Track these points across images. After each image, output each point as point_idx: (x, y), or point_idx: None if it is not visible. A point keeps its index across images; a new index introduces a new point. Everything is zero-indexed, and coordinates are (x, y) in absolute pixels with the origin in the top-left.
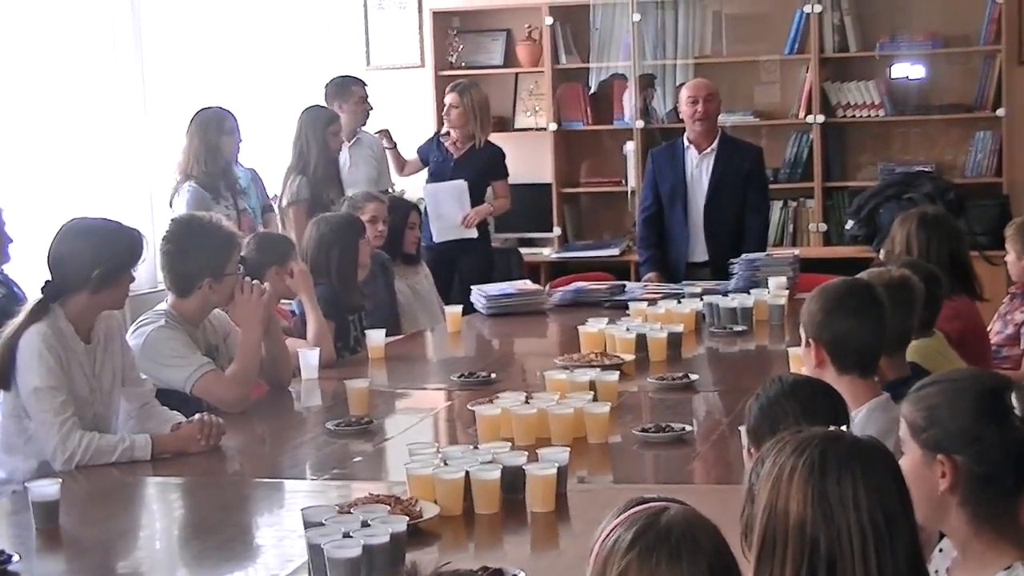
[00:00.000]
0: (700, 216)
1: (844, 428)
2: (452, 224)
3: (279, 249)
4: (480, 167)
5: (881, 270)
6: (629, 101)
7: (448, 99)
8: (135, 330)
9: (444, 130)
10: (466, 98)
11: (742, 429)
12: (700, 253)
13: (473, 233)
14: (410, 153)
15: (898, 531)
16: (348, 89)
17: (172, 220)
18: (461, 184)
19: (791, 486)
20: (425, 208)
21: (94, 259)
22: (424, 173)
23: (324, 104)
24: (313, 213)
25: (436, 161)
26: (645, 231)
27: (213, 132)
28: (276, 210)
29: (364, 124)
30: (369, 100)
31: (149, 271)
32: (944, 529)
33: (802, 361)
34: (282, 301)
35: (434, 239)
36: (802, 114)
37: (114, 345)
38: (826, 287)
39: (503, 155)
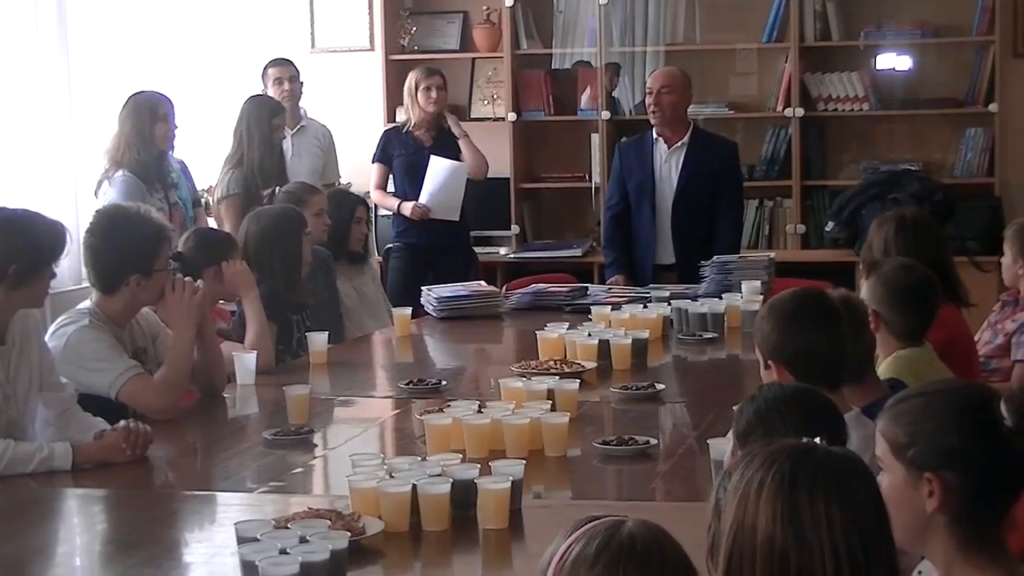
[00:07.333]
0: (668, 215)
1: (818, 440)
2: (446, 205)
3: (221, 248)
4: (454, 154)
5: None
6: (594, 90)
7: (432, 81)
8: (56, 330)
9: (410, 121)
10: (443, 79)
11: (711, 442)
12: (667, 255)
13: (455, 216)
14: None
15: (875, 554)
16: (264, 72)
17: (97, 211)
18: (463, 166)
19: (759, 501)
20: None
21: (10, 253)
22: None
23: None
24: (246, 208)
25: (407, 154)
26: (612, 231)
27: (146, 118)
28: (208, 204)
29: (288, 108)
30: (287, 81)
31: (72, 266)
32: (927, 552)
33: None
34: (221, 302)
35: (427, 205)
36: (780, 107)
37: (31, 346)
38: (775, 303)
39: None
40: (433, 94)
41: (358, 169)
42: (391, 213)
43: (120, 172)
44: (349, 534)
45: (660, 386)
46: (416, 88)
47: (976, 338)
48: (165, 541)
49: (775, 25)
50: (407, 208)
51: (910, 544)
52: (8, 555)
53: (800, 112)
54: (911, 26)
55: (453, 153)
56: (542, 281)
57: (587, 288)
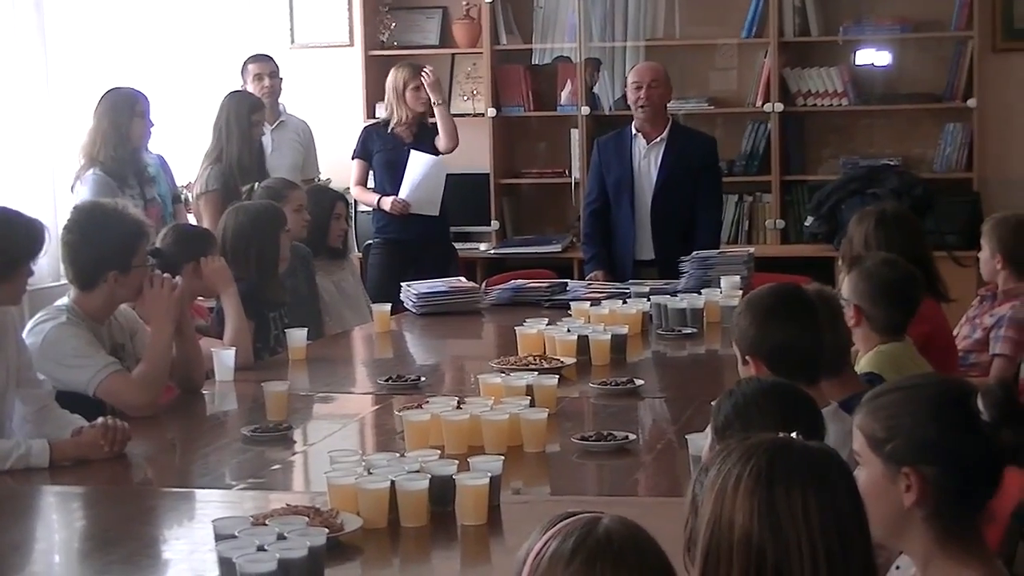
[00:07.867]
0: (647, 210)
1: (794, 435)
2: (426, 199)
3: (199, 244)
4: (434, 150)
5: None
6: (574, 86)
7: (418, 81)
8: (33, 327)
9: (394, 119)
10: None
11: (690, 437)
12: (647, 250)
13: (435, 211)
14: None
15: (853, 549)
16: (244, 68)
17: (74, 208)
18: (443, 161)
19: (736, 496)
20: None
21: None
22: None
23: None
24: (225, 204)
25: (387, 150)
26: (591, 226)
27: (124, 114)
28: (188, 200)
29: (268, 104)
30: (267, 77)
31: (51, 263)
32: (904, 547)
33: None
34: (201, 298)
35: (407, 200)
36: (760, 102)
37: (8, 343)
38: (752, 299)
39: None
40: (423, 94)
41: (338, 165)
42: (371, 209)
43: (91, 171)
44: (327, 530)
45: (639, 381)
46: (404, 87)
47: (955, 332)
48: (143, 538)
49: (754, 20)
50: (387, 203)
51: (888, 538)
52: None
53: (779, 107)
54: (890, 21)
55: (433, 150)
56: (522, 277)
57: (567, 284)
